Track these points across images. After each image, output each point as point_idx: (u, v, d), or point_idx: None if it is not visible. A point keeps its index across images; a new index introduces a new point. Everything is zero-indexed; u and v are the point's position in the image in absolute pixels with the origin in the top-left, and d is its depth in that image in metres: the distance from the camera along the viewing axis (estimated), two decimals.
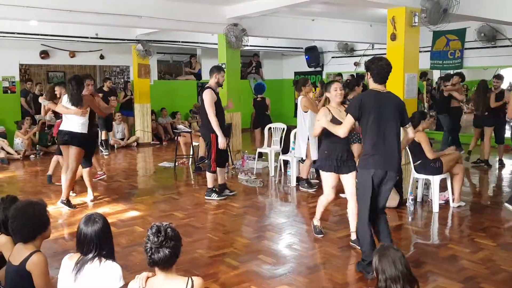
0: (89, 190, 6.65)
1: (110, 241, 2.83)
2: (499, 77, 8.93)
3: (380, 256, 2.54)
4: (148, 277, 2.58)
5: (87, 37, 10.84)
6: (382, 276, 2.50)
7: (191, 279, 2.52)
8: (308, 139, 6.98)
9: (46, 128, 11.43)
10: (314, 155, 7.09)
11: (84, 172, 6.61)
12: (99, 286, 2.69)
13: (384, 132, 3.89)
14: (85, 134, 6.20)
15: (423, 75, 12.61)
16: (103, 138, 10.81)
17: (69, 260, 2.79)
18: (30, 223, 2.89)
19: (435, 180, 5.94)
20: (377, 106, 3.91)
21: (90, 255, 2.71)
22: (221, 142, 6.41)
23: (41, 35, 10.40)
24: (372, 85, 4.04)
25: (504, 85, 10.23)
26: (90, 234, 2.72)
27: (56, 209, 6.15)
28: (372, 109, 3.90)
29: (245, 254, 4.60)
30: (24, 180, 8.43)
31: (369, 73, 4.04)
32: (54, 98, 7.46)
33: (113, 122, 11.73)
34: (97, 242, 2.71)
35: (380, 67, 3.96)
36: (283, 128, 8.47)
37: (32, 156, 10.53)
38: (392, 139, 3.92)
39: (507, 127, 9.95)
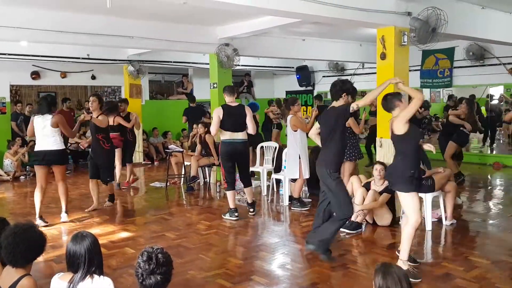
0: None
1: (100, 256, 2.82)
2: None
3: (385, 273, 2.47)
4: None
5: (79, 58, 10.85)
6: None
7: None
8: (300, 158, 6.98)
9: None
10: (306, 174, 7.09)
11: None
12: None
13: None
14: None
15: None
16: None
17: (61, 280, 2.75)
18: (32, 248, 2.84)
19: (428, 198, 5.92)
20: None
21: (81, 273, 2.68)
22: None
23: (32, 55, 10.41)
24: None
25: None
26: (80, 250, 2.70)
27: (45, 230, 6.04)
28: None
29: (238, 274, 4.54)
30: (14, 201, 8.32)
31: None
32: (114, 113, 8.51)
33: None
34: (88, 258, 2.69)
35: None
36: (275, 147, 8.47)
37: (22, 177, 10.42)
38: None
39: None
